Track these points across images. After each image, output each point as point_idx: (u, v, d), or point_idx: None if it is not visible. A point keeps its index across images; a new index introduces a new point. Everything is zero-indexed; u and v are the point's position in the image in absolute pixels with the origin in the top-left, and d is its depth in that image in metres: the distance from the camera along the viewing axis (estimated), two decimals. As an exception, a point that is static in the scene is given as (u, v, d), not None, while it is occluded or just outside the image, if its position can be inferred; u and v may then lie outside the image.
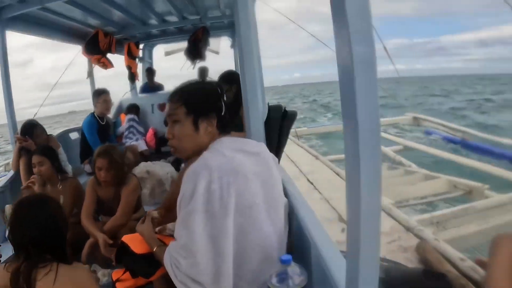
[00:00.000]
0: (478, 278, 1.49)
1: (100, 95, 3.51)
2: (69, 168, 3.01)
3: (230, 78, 2.40)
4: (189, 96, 1.12)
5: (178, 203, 1.03)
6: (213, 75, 3.38)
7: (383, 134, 7.62)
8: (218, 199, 0.97)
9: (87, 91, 4.21)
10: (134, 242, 1.31)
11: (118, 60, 4.43)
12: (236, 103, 2.15)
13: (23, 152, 2.71)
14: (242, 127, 1.88)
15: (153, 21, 4.15)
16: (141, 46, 4.92)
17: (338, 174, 3.94)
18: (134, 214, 2.18)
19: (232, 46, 5.30)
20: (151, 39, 4.92)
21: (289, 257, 0.87)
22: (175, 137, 1.13)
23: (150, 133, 4.27)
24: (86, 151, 3.38)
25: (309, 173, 5.02)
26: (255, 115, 1.65)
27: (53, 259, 1.14)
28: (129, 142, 4.00)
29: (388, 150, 6.61)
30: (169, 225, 1.36)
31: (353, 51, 0.61)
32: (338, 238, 2.14)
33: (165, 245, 1.21)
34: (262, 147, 1.20)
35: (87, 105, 4.44)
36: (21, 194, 2.19)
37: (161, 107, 4.48)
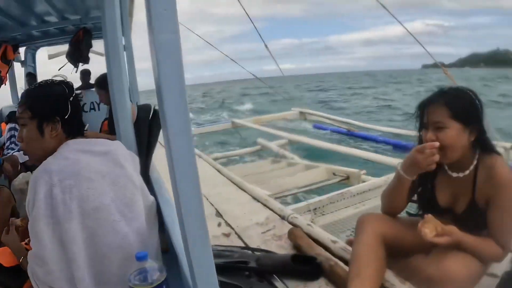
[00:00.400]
0: (348, 257, 1.57)
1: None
2: None
3: (105, 83, 2.34)
4: (33, 100, 1.07)
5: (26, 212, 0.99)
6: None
7: (268, 129, 7.87)
8: (61, 203, 0.93)
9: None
10: (3, 255, 1.24)
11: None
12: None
13: None
14: None
15: (33, 22, 3.66)
16: (22, 49, 4.29)
17: (219, 171, 3.77)
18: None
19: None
20: (32, 42, 4.33)
21: (144, 253, 0.86)
22: (23, 141, 1.08)
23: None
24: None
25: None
26: (123, 115, 1.66)
27: None
28: (11, 153, 3.46)
29: (272, 144, 6.67)
30: None
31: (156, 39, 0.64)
32: (215, 233, 2.17)
33: None
34: (112, 146, 1.14)
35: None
36: None
37: None
